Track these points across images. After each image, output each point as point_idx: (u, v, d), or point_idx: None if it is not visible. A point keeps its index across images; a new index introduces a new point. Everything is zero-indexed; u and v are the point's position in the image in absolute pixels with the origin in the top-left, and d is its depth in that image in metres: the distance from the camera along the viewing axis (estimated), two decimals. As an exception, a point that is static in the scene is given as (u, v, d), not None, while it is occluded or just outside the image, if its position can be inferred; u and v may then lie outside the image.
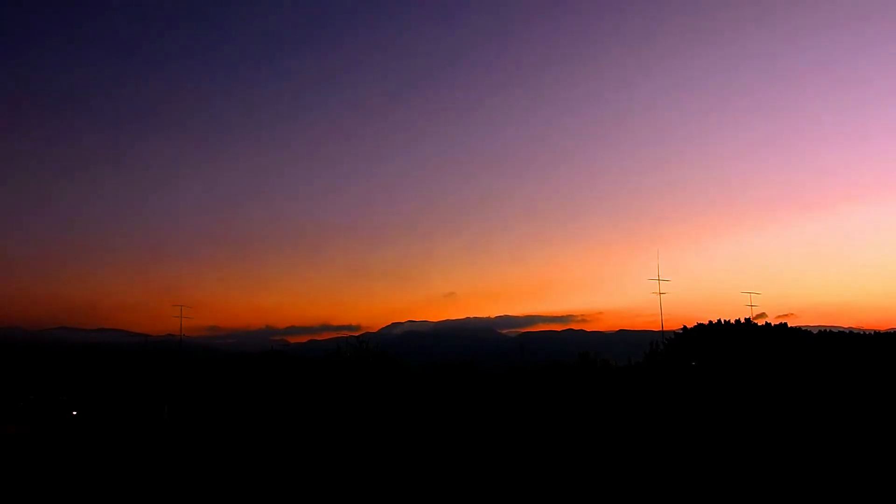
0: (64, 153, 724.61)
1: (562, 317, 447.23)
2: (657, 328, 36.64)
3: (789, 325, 35.43)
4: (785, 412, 23.18)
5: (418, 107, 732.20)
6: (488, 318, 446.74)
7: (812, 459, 17.95)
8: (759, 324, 34.90)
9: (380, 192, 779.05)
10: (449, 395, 30.16)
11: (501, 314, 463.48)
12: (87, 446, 27.79)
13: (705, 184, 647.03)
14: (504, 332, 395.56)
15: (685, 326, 36.05)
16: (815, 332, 35.98)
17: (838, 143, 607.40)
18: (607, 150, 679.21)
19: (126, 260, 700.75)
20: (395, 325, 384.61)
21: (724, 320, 35.02)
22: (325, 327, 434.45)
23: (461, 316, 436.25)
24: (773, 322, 35.30)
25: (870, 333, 37.31)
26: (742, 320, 34.84)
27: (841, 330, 40.20)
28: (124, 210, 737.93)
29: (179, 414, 33.38)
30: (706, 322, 35.38)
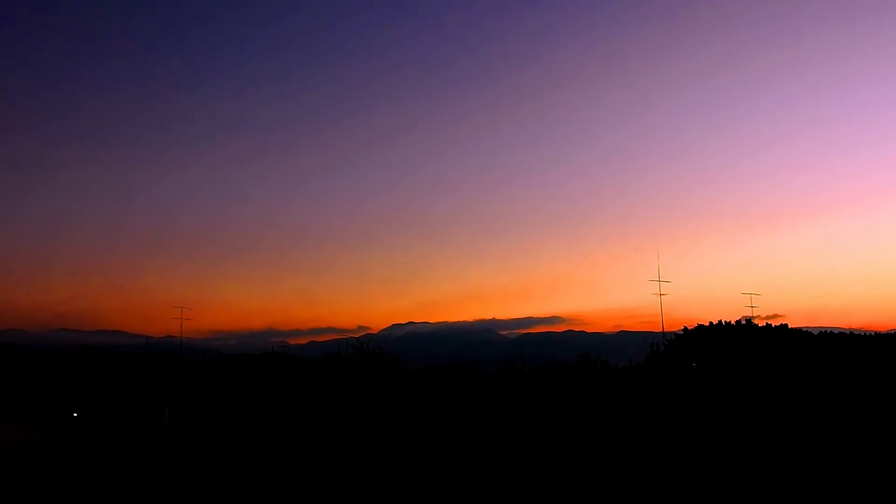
0: (63, 153, 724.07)
1: (561, 318, 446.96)
2: (657, 329, 36.63)
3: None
4: (787, 412, 23.19)
5: (421, 111, 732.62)
6: (488, 320, 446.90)
7: (815, 460, 17.96)
8: (759, 325, 34.95)
9: (381, 194, 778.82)
10: (449, 396, 30.17)
11: (501, 316, 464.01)
12: (88, 448, 27.82)
13: (705, 186, 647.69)
14: (504, 333, 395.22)
15: (685, 327, 36.08)
16: (815, 334, 35.97)
17: (837, 146, 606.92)
18: (608, 153, 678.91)
19: (127, 261, 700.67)
20: (395, 326, 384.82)
21: (725, 321, 35.05)
22: (327, 329, 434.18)
23: (461, 318, 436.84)
24: (764, 323, 35.42)
25: (869, 334, 37.33)
26: (742, 321, 34.88)
27: (842, 331, 40.18)
28: (125, 211, 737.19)
29: (181, 416, 33.38)
30: (706, 323, 35.45)
